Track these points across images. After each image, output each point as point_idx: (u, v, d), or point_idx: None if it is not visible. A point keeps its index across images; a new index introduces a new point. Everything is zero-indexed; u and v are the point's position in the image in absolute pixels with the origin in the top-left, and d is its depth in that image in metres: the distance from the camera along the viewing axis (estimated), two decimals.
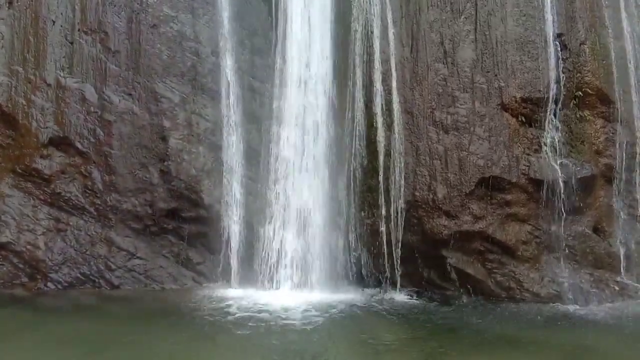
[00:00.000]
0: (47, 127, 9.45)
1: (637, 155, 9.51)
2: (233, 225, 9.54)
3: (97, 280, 9.34)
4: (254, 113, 9.85)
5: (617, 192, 9.49)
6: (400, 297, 9.11)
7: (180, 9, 9.84)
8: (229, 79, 9.76)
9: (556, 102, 9.37)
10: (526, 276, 9.00)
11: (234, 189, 9.60)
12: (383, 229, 9.18)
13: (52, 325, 7.50)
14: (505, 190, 9.13)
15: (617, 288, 8.97)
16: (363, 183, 9.44)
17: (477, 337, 7.29)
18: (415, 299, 9.06)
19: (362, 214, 9.41)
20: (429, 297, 9.14)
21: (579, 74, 9.49)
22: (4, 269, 9.25)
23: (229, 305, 8.34)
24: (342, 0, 9.76)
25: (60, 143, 9.53)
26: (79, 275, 9.33)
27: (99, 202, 9.54)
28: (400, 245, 9.14)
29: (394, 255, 9.15)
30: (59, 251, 9.35)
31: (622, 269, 9.17)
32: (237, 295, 8.86)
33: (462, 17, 9.48)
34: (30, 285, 9.21)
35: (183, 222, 9.64)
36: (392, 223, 9.14)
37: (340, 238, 9.41)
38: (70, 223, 9.52)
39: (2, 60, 9.47)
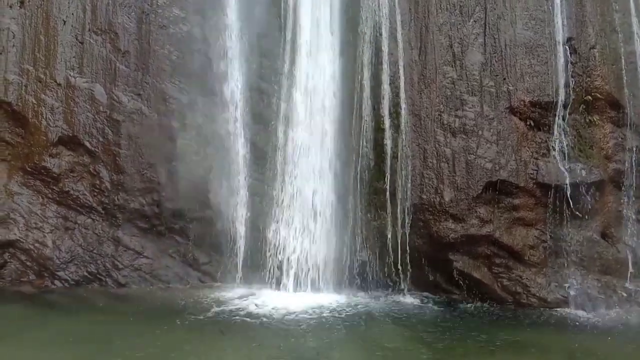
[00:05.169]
0: (56, 126, 9.53)
1: None
2: (239, 226, 9.57)
3: (103, 278, 9.39)
4: (261, 114, 9.86)
5: (626, 198, 9.41)
6: (406, 300, 9.08)
7: (189, 11, 9.87)
8: (237, 80, 9.78)
9: (565, 107, 9.31)
10: (533, 281, 8.94)
11: (241, 190, 9.63)
12: (389, 231, 9.16)
13: (59, 323, 7.55)
14: (512, 194, 9.08)
15: (624, 294, 8.87)
16: (370, 185, 9.41)
17: (482, 341, 7.25)
18: (421, 302, 9.01)
19: (369, 216, 9.40)
20: (434, 301, 9.10)
21: (588, 79, 9.42)
22: (12, 266, 9.34)
23: (234, 306, 8.36)
24: (351, 2, 9.76)
25: (69, 142, 9.61)
26: (85, 273, 9.38)
27: (107, 201, 9.59)
28: (406, 248, 9.13)
29: (400, 258, 9.13)
30: (66, 249, 9.41)
31: (630, 275, 9.09)
32: (243, 296, 8.86)
33: (471, 20, 9.45)
34: (37, 283, 9.27)
35: (190, 222, 9.65)
36: (399, 226, 9.12)
37: (346, 240, 9.39)
38: (78, 222, 9.59)
39: (13, 59, 9.58)
